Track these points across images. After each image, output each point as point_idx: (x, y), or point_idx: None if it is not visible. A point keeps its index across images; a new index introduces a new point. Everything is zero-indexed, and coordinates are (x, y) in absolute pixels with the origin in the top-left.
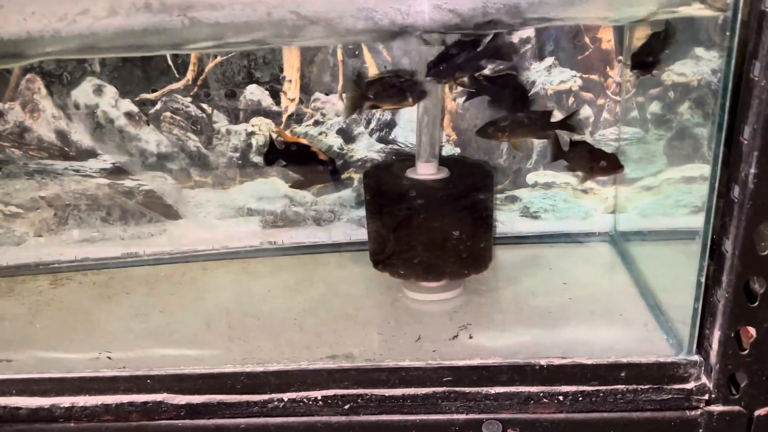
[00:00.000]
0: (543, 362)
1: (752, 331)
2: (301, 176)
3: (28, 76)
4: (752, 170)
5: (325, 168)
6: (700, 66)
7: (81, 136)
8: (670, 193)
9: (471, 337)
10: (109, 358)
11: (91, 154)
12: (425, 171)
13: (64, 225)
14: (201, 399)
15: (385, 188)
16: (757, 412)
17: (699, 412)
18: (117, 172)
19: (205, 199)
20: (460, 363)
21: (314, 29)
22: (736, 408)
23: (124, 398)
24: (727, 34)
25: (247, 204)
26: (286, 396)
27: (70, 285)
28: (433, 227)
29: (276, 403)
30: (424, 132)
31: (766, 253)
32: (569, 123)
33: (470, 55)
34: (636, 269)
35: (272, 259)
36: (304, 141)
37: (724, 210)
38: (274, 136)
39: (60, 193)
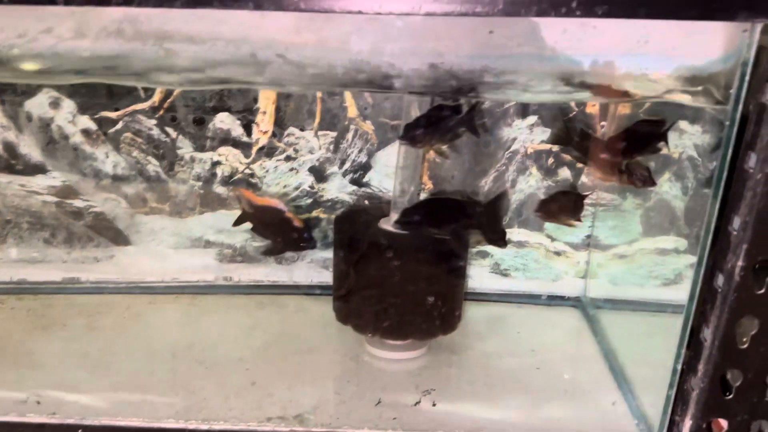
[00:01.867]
0: None
1: (724, 423)
2: (273, 242)
3: None
4: (740, 263)
5: (299, 235)
6: (683, 139)
7: (31, 149)
8: (643, 263)
9: (434, 405)
10: (38, 402)
11: (40, 169)
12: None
13: (2, 243)
14: None
15: (356, 238)
16: None
17: None
18: (66, 191)
19: (160, 226)
20: None
21: (300, 76)
22: None
23: None
24: (726, 124)
25: (204, 235)
26: None
27: (2, 310)
28: (404, 285)
29: None
30: (401, 181)
31: (745, 345)
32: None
33: (449, 124)
34: (605, 339)
35: (226, 298)
36: (276, 203)
37: (706, 297)
38: (239, 197)
39: (1, 208)
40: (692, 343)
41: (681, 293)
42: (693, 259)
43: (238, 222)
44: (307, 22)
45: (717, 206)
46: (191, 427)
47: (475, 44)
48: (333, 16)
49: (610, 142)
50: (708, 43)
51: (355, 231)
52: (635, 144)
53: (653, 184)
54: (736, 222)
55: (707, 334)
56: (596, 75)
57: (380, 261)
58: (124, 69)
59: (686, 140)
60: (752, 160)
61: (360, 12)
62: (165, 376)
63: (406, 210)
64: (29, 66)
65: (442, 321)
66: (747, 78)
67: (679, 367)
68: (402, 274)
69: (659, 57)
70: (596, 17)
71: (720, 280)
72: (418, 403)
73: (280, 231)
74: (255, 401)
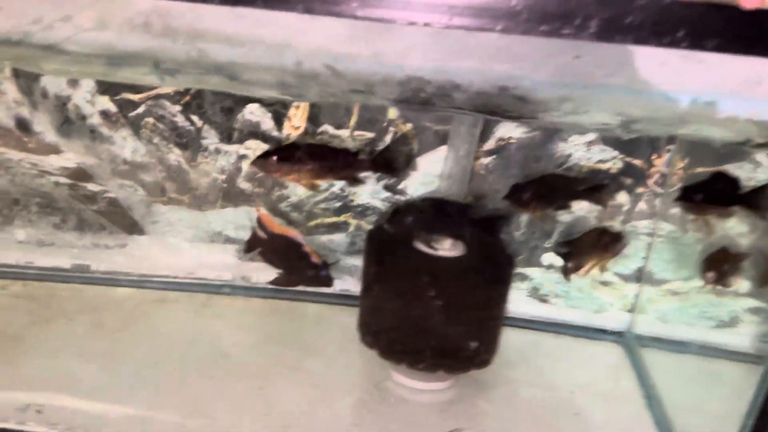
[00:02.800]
0: None
1: None
2: (285, 274)
3: None
4: None
5: (315, 272)
6: (757, 172)
7: (45, 128)
8: (697, 302)
9: None
10: (38, 412)
11: (54, 149)
12: (437, 244)
13: (9, 224)
14: None
15: (391, 259)
16: None
17: None
18: (80, 174)
19: (177, 218)
20: None
21: (346, 88)
22: None
23: None
24: None
25: (224, 231)
26: None
27: (3, 298)
28: (439, 315)
29: None
30: (444, 192)
31: None
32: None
33: (564, 192)
34: (649, 381)
35: (242, 300)
36: (294, 234)
37: None
38: (255, 222)
39: (9, 188)
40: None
41: (735, 338)
42: (753, 302)
43: (249, 247)
44: (364, 31)
45: None
46: None
47: (557, 70)
48: (393, 27)
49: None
50: None
51: (388, 252)
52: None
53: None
54: None
55: None
56: (694, 115)
57: (414, 289)
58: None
59: (761, 174)
60: None
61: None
62: (172, 390)
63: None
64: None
65: (478, 358)
66: None
67: (750, 423)
68: (437, 303)
69: None
70: (704, 51)
71: None
72: None
73: (296, 265)
74: (267, 427)
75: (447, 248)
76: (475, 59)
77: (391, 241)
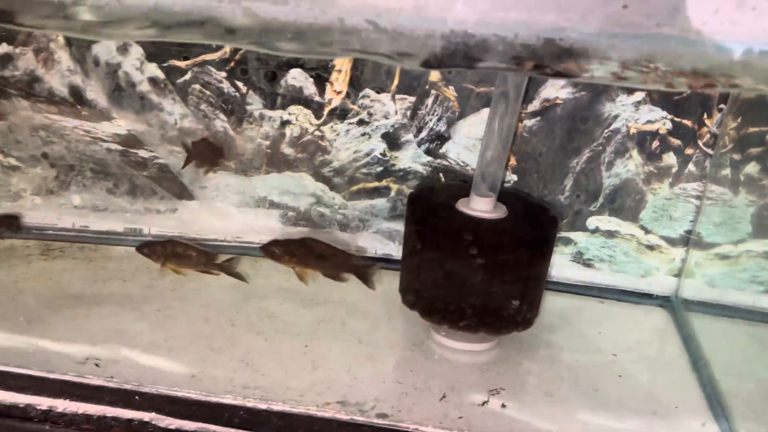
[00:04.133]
0: None
1: None
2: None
3: None
4: None
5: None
6: None
7: (97, 95)
8: (748, 266)
9: (504, 406)
10: (96, 365)
11: (105, 116)
12: (481, 207)
13: (65, 189)
14: (193, 426)
15: (433, 221)
16: None
17: None
18: (131, 140)
19: (225, 183)
20: None
21: (391, 46)
22: None
23: (108, 411)
24: None
25: (269, 196)
26: None
27: (63, 259)
28: (482, 275)
29: None
30: (487, 159)
31: None
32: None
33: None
34: (695, 346)
35: None
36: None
37: None
38: None
39: (65, 154)
40: None
41: None
42: None
43: None
44: None
45: None
46: (250, 405)
47: (605, 19)
48: None
49: None
50: None
51: (430, 214)
52: None
53: None
54: None
55: None
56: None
57: (456, 251)
58: (194, 29)
59: None
60: None
61: None
62: (223, 345)
63: None
64: (87, 17)
65: (521, 318)
66: None
67: None
68: (481, 267)
69: None
70: None
71: None
72: (486, 402)
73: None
74: (313, 383)
75: (490, 210)
76: (521, 10)
77: (432, 203)
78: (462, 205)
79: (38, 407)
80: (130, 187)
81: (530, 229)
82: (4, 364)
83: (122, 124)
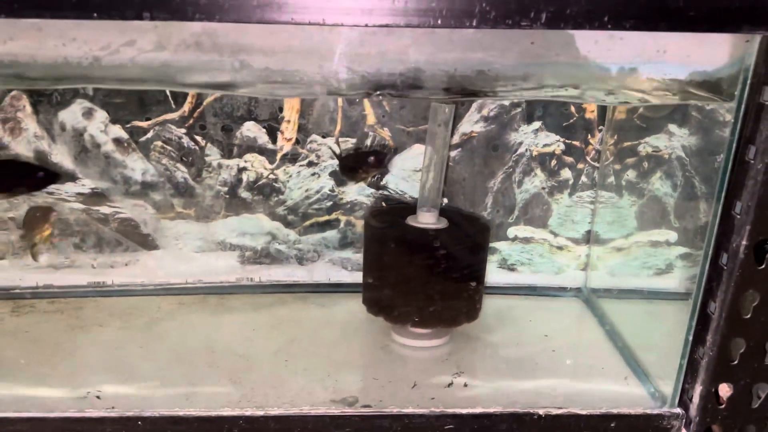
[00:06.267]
0: (541, 411)
1: (728, 387)
2: None
3: (14, 93)
4: (744, 242)
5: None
6: (672, 141)
7: (62, 158)
8: (638, 255)
9: (466, 385)
10: (98, 397)
11: (70, 177)
12: (426, 220)
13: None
14: None
15: (391, 233)
16: None
17: None
18: (95, 197)
19: (184, 231)
20: (463, 411)
21: (360, 83)
22: None
23: None
24: (732, 121)
25: (227, 239)
26: None
27: (35, 314)
28: (434, 276)
29: None
30: (428, 180)
31: (748, 316)
32: None
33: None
34: (608, 324)
35: (251, 297)
36: None
37: (712, 275)
38: None
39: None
40: (701, 316)
41: (671, 282)
42: (682, 249)
43: None
44: (370, 36)
45: (723, 194)
46: (248, 413)
47: (519, 53)
48: (394, 31)
49: None
50: (716, 52)
51: (387, 228)
52: None
53: None
54: (739, 206)
55: (714, 307)
56: (622, 80)
57: (412, 255)
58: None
59: (675, 142)
60: (752, 152)
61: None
62: (210, 369)
63: None
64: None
65: (468, 310)
66: (748, 81)
67: (690, 338)
68: (432, 266)
69: (675, 64)
70: (624, 30)
71: (725, 258)
72: (450, 384)
73: None
74: (301, 389)
75: (435, 222)
76: (457, 51)
77: (387, 220)
78: (411, 220)
79: None
80: (97, 241)
81: (469, 234)
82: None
83: (86, 183)
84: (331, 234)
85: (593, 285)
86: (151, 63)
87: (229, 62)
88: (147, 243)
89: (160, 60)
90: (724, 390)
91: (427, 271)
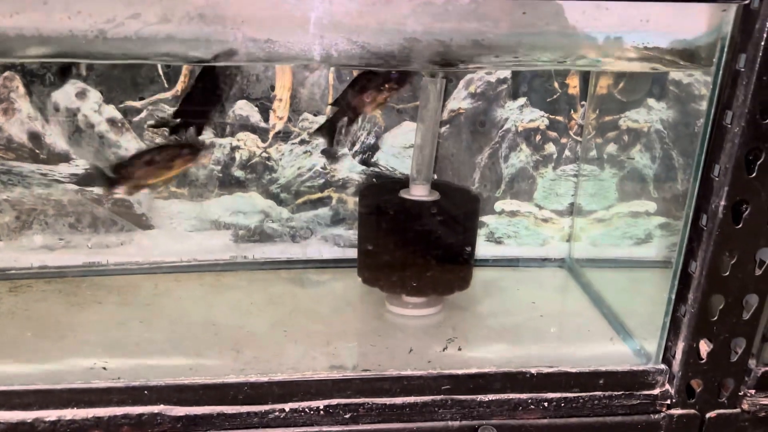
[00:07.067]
0: (533, 370)
1: (707, 344)
2: None
3: (6, 74)
4: (722, 203)
5: None
6: (651, 115)
7: (56, 139)
8: (619, 225)
9: (460, 349)
10: (104, 368)
11: (64, 158)
12: (419, 192)
13: (27, 230)
14: (200, 410)
15: (385, 205)
16: (708, 415)
17: (662, 415)
18: (89, 178)
19: (178, 210)
20: (459, 372)
21: (360, 55)
22: (692, 411)
23: (117, 410)
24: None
25: (221, 217)
26: (288, 406)
27: (32, 292)
28: (427, 245)
29: (277, 413)
30: (420, 154)
31: (726, 274)
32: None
33: None
34: (592, 292)
35: (247, 273)
36: None
37: (692, 236)
38: None
39: (26, 197)
40: (683, 276)
41: (651, 250)
42: (661, 219)
43: None
44: (369, 6)
45: (702, 157)
46: (252, 380)
47: (512, 24)
48: (392, 1)
49: None
50: (695, 22)
51: (381, 201)
52: None
53: None
54: (717, 169)
55: (695, 266)
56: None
57: (408, 227)
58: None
59: (653, 116)
60: (729, 117)
61: None
62: (212, 340)
63: None
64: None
65: (460, 277)
66: (725, 49)
67: (673, 297)
68: (425, 236)
69: (658, 33)
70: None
71: (704, 220)
72: (445, 348)
73: None
74: (302, 356)
75: (428, 195)
76: (453, 21)
77: (381, 192)
78: (404, 193)
79: (46, 420)
80: (92, 221)
81: (460, 205)
82: (7, 385)
83: (80, 163)
84: (324, 211)
85: (577, 255)
86: (156, 35)
87: (232, 33)
88: (141, 223)
89: (165, 33)
90: (704, 348)
91: (422, 242)
